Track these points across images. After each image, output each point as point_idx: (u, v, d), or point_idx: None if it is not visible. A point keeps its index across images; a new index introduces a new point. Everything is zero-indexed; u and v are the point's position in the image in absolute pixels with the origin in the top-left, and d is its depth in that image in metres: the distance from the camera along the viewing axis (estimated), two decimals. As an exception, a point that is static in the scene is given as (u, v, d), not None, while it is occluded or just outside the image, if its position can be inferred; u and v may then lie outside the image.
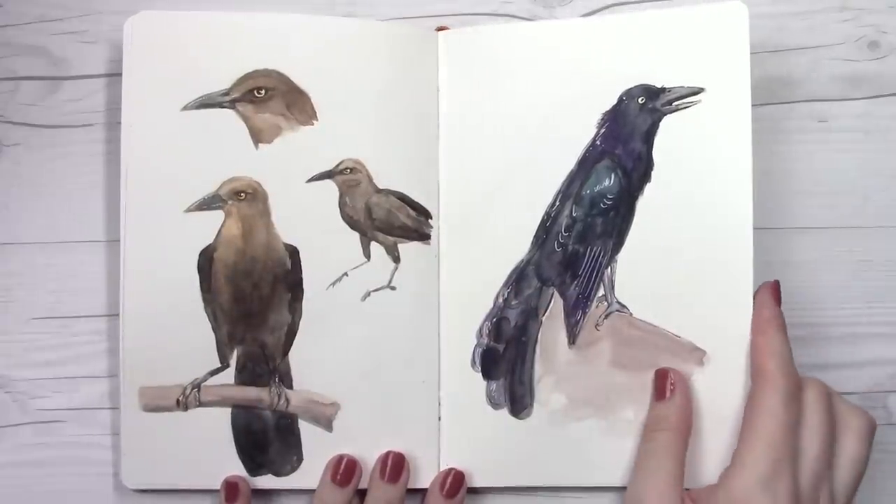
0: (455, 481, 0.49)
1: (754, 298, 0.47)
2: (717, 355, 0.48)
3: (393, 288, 0.50)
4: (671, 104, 0.49)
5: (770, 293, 0.47)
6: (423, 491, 0.50)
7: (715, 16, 0.49)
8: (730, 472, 0.44)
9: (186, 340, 0.50)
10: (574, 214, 0.50)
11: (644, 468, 0.46)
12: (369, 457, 0.49)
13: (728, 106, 0.48)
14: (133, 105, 0.50)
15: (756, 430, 0.44)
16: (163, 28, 0.50)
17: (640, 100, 0.49)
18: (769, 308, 0.47)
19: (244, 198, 0.50)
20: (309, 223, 0.50)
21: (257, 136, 0.50)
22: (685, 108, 0.49)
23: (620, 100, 0.49)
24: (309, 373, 0.50)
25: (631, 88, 0.49)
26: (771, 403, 0.44)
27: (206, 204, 0.50)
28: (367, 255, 0.50)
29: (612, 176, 0.49)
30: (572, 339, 0.50)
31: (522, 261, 0.50)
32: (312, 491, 0.49)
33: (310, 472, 0.50)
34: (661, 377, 0.48)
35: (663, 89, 0.49)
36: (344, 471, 0.49)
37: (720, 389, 0.48)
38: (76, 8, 0.54)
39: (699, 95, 0.49)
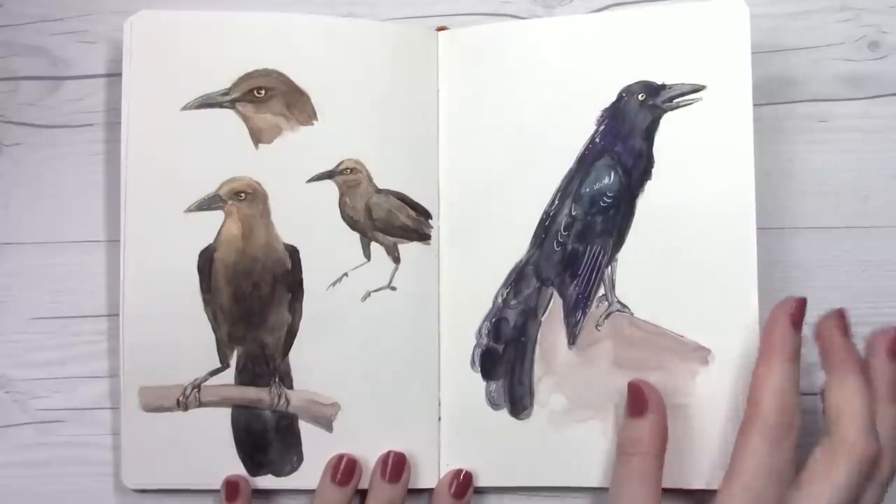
0: (464, 482, 0.49)
1: (770, 313, 0.44)
2: (722, 355, 0.48)
3: (393, 288, 0.50)
4: (672, 101, 0.49)
5: (786, 312, 0.42)
6: (422, 492, 0.50)
7: (715, 13, 0.49)
8: None
9: (186, 340, 0.50)
10: (573, 213, 0.49)
11: (618, 495, 0.44)
12: (369, 457, 0.49)
13: (729, 103, 0.48)
14: (133, 105, 0.50)
15: (735, 471, 0.41)
16: (163, 28, 0.50)
17: (639, 96, 0.49)
18: (780, 331, 0.42)
19: (244, 198, 0.50)
20: (309, 223, 0.50)
21: (257, 136, 0.50)
22: (686, 105, 0.49)
23: (620, 96, 0.49)
24: (309, 373, 0.50)
25: (630, 85, 0.49)
26: (755, 443, 0.41)
27: (206, 204, 0.50)
28: (368, 256, 0.50)
29: (612, 174, 0.49)
30: (572, 339, 0.50)
31: (521, 261, 0.50)
32: (312, 491, 0.49)
33: (310, 472, 0.49)
34: (635, 393, 0.46)
35: (664, 86, 0.49)
36: (344, 471, 0.48)
37: (725, 389, 0.47)
38: (76, 8, 0.54)
39: (700, 93, 0.48)
